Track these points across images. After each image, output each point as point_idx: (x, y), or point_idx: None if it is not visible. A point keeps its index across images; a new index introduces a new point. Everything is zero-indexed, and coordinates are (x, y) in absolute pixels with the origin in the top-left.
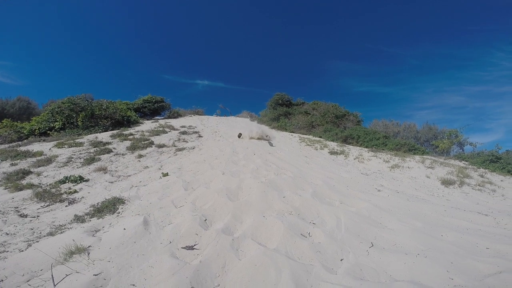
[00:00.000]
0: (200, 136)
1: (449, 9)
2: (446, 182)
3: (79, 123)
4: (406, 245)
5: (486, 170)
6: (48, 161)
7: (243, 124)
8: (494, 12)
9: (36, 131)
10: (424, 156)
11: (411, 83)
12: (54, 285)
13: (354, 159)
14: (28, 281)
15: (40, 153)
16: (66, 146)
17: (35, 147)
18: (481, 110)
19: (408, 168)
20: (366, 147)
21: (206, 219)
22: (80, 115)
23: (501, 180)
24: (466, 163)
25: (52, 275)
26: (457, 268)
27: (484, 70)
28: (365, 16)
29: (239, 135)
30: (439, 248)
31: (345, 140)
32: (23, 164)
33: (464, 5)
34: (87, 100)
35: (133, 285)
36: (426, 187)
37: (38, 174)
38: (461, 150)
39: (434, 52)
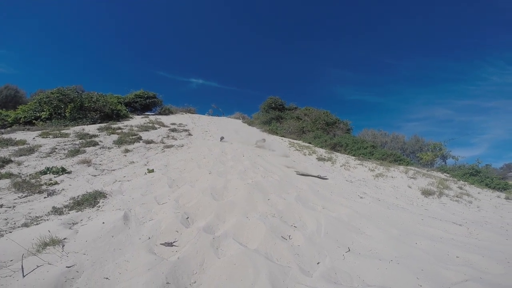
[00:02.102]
0: (189, 135)
1: (445, 22)
2: (426, 193)
3: (67, 114)
4: (381, 251)
5: (466, 182)
6: (31, 150)
7: (236, 126)
8: (489, 28)
9: (21, 119)
10: (408, 167)
11: (403, 94)
12: (23, 276)
13: (341, 166)
14: None
15: (23, 142)
16: (51, 136)
17: (18, 135)
18: (467, 124)
19: (392, 177)
20: (354, 155)
21: (188, 217)
22: (69, 106)
23: (478, 193)
24: (448, 175)
25: (22, 266)
26: (427, 276)
27: (473, 84)
28: (363, 26)
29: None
30: (412, 255)
31: (334, 148)
32: (3, 153)
33: (460, 19)
34: (77, 92)
35: (107, 278)
36: (407, 196)
37: (19, 164)
38: (443, 162)
39: (427, 65)
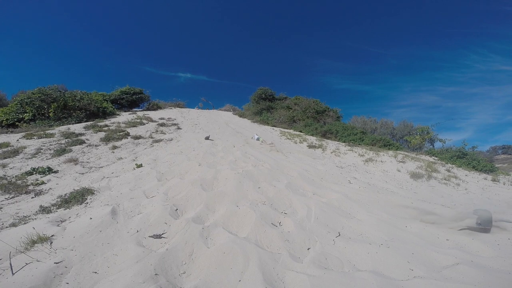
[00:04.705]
0: (179, 128)
1: (429, 12)
2: (415, 176)
3: (51, 114)
4: (371, 235)
5: (453, 165)
6: (15, 152)
7: (227, 118)
8: (472, 18)
9: (3, 122)
10: (398, 151)
11: (390, 82)
12: (13, 274)
13: (331, 152)
14: None
15: (6, 145)
16: (35, 137)
17: (1, 138)
18: (453, 109)
19: (381, 162)
20: (344, 142)
21: (177, 209)
22: (52, 106)
23: (466, 175)
24: (436, 158)
25: (10, 264)
26: (418, 259)
27: (457, 72)
28: (350, 17)
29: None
30: (402, 239)
31: (324, 135)
32: None
33: (444, 9)
34: (60, 91)
35: (95, 272)
36: (396, 180)
37: (4, 166)
38: (431, 146)
39: (413, 54)
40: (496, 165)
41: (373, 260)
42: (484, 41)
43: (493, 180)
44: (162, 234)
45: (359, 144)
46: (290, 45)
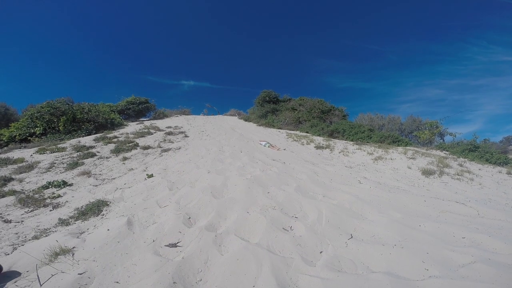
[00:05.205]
0: (186, 136)
1: (424, 6)
2: (427, 172)
3: (61, 128)
4: (384, 236)
5: (466, 159)
6: (30, 167)
7: (232, 123)
8: (467, 9)
9: (16, 137)
10: (407, 147)
11: (392, 78)
12: (40, 285)
13: (339, 152)
14: (15, 282)
15: (21, 160)
16: (48, 151)
17: (16, 154)
18: (459, 102)
19: (391, 159)
20: (352, 140)
21: (190, 217)
22: (61, 120)
23: (479, 169)
24: (447, 152)
25: (37, 275)
26: (433, 259)
27: (459, 64)
28: (345, 14)
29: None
30: (416, 239)
31: (331, 134)
32: (3, 172)
33: (438, 2)
34: (68, 104)
35: (117, 282)
36: (407, 177)
37: (20, 181)
38: (442, 140)
39: (411, 49)
40: (510, 156)
41: (387, 261)
42: (482, 33)
43: (508, 173)
44: (177, 243)
45: (367, 142)
46: (290, 47)
